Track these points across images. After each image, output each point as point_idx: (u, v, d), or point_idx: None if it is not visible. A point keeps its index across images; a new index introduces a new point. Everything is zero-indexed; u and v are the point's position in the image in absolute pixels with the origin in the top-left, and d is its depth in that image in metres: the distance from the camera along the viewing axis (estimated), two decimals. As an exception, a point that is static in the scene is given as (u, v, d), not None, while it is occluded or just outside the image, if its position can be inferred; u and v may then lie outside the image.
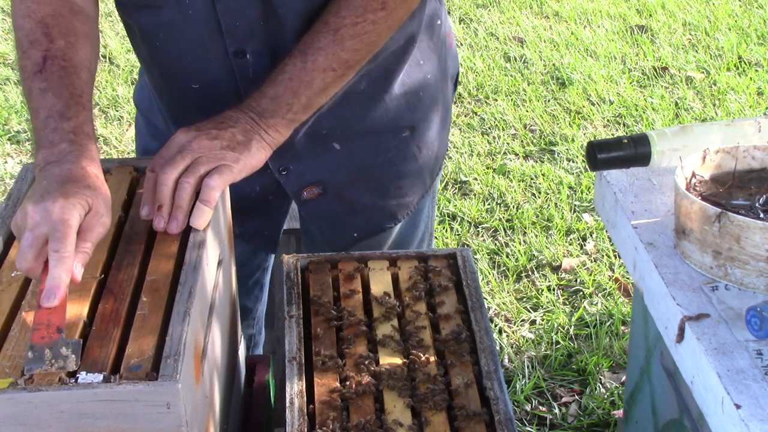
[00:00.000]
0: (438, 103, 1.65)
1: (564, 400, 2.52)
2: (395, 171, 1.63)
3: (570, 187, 3.45)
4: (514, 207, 3.34)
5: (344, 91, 1.51)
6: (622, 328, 2.75)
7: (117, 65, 4.35)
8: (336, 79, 1.41)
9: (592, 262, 3.06)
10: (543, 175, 3.52)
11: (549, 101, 4.09)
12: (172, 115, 1.60)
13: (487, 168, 3.60)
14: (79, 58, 1.34)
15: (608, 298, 2.89)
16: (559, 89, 4.19)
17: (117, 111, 3.96)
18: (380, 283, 1.44)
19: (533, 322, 2.80)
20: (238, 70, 1.47)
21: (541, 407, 2.50)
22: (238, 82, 1.47)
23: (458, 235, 3.20)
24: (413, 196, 1.68)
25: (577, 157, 3.64)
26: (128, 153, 3.68)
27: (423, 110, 1.62)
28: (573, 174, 3.55)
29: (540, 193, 3.42)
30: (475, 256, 3.06)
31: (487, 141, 3.80)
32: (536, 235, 3.18)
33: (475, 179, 3.51)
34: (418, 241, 1.77)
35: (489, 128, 3.89)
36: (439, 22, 1.61)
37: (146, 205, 1.27)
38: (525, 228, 3.22)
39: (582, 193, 3.41)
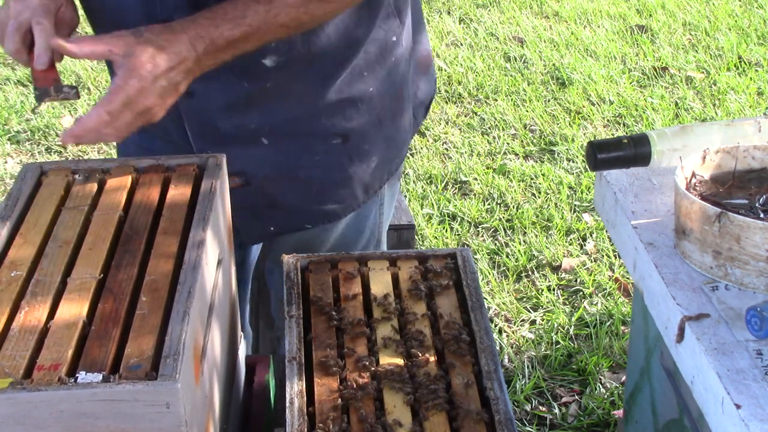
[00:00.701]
0: (383, 120, 1.63)
1: (564, 400, 2.52)
2: (320, 176, 1.62)
3: (570, 187, 3.45)
4: (514, 207, 3.34)
5: (277, 88, 1.52)
6: (622, 328, 2.75)
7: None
8: (279, 36, 1.41)
9: (592, 262, 3.06)
10: (543, 175, 3.52)
11: (549, 101, 4.09)
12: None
13: (487, 168, 3.60)
14: None
15: (608, 298, 2.88)
16: (559, 89, 4.19)
17: (117, 111, 3.95)
18: (380, 283, 1.44)
19: (533, 322, 2.80)
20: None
21: (541, 407, 2.50)
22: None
23: (458, 235, 3.20)
24: (337, 205, 1.66)
25: (577, 157, 3.64)
26: (128, 153, 3.68)
27: (360, 121, 1.61)
28: (573, 174, 3.55)
29: (540, 193, 3.42)
30: (475, 256, 3.05)
31: (487, 141, 3.80)
32: (536, 235, 3.17)
33: (475, 179, 3.51)
34: (363, 247, 1.76)
35: (489, 128, 3.89)
36: (394, 38, 1.60)
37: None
38: (525, 228, 3.22)
39: (582, 193, 3.41)
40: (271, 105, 1.55)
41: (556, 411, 2.48)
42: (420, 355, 1.29)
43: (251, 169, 1.60)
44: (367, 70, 1.58)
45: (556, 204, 3.35)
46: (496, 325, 2.76)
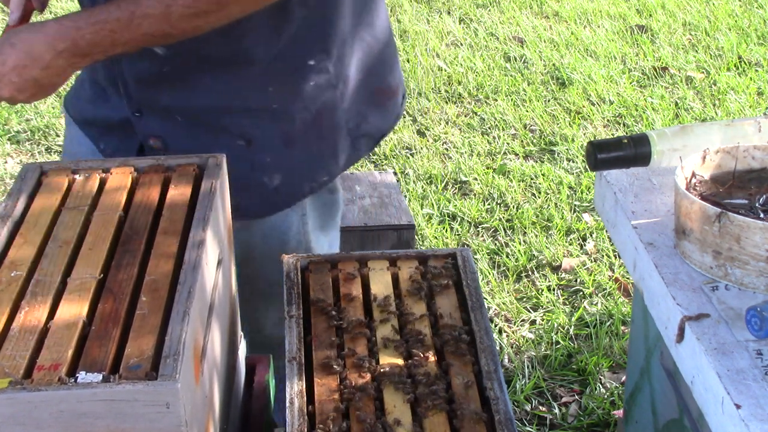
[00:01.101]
0: (293, 140, 1.64)
1: (564, 400, 2.52)
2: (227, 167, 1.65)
3: (570, 187, 3.45)
4: (514, 207, 3.34)
5: (175, 76, 1.58)
6: (622, 328, 2.75)
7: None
8: (153, 44, 1.48)
9: (592, 262, 3.05)
10: (543, 175, 3.52)
11: (549, 101, 4.09)
12: None
13: (487, 168, 3.60)
14: None
15: (608, 298, 2.88)
16: (559, 89, 4.19)
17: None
18: (380, 283, 1.44)
19: (533, 322, 2.80)
20: None
21: (541, 407, 2.50)
22: None
23: (458, 235, 3.20)
24: (236, 202, 1.66)
25: (577, 157, 3.64)
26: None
27: (263, 133, 1.62)
28: (573, 174, 3.55)
29: (540, 193, 3.42)
30: (475, 256, 3.05)
31: (487, 141, 3.80)
32: (536, 235, 3.17)
33: (475, 179, 3.51)
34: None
35: (489, 128, 3.89)
36: (312, 62, 1.60)
37: None
38: (525, 228, 3.22)
39: (582, 193, 3.41)
40: (176, 89, 1.60)
41: (556, 411, 2.48)
42: (420, 355, 1.29)
43: (169, 137, 1.64)
44: (272, 87, 1.60)
45: (556, 204, 3.35)
46: (496, 325, 2.76)
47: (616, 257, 3.04)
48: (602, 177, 1.46)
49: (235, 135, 1.63)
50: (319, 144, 1.68)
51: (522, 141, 3.78)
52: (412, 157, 3.67)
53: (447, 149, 3.74)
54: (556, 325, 2.76)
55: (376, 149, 3.69)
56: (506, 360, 2.64)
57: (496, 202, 3.37)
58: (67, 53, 1.43)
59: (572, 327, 2.76)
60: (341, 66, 1.64)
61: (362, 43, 1.68)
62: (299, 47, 1.59)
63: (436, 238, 3.17)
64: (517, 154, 3.69)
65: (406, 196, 3.36)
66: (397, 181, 3.25)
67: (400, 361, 1.29)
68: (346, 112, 1.67)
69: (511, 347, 2.69)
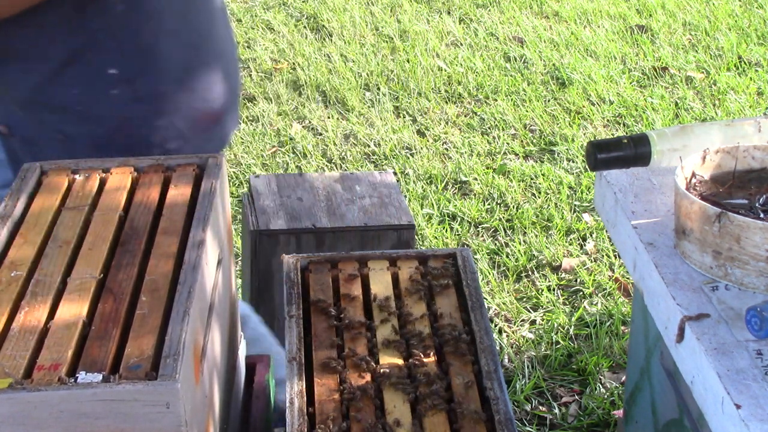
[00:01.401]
0: (100, 147, 1.63)
1: (564, 400, 2.52)
2: (60, 155, 1.65)
3: (570, 187, 3.45)
4: (514, 207, 3.33)
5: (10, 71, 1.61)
6: (622, 328, 2.75)
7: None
8: None
9: (592, 262, 3.05)
10: (543, 175, 3.52)
11: (549, 101, 4.08)
12: None
13: (487, 168, 3.60)
14: None
15: (608, 298, 2.88)
16: (559, 89, 4.19)
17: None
18: (380, 283, 1.44)
19: (533, 322, 2.80)
20: None
21: (541, 407, 2.50)
22: None
23: (458, 235, 3.20)
24: None
25: (577, 157, 3.64)
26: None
27: (74, 130, 1.63)
28: (573, 174, 3.54)
29: (540, 193, 3.42)
30: (475, 256, 3.05)
31: (487, 141, 3.79)
32: (536, 235, 3.17)
33: (475, 179, 3.51)
34: None
35: (489, 128, 3.89)
36: (114, 71, 1.60)
37: None
38: (525, 228, 3.22)
39: (582, 193, 3.41)
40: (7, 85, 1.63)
41: (556, 411, 2.48)
42: (420, 355, 1.29)
43: (11, 125, 1.67)
44: (77, 89, 1.60)
45: (556, 204, 3.35)
46: (496, 325, 2.76)
47: (616, 257, 3.04)
48: (602, 177, 1.46)
49: (51, 129, 1.64)
50: (128, 155, 1.65)
51: (522, 141, 3.78)
52: (412, 157, 3.67)
53: (447, 149, 3.74)
54: (556, 325, 2.76)
55: (375, 149, 3.69)
56: (506, 360, 2.64)
57: (496, 202, 3.37)
58: None
59: (572, 327, 2.76)
60: (151, 82, 1.64)
61: (190, 66, 1.67)
62: (100, 53, 1.59)
63: (436, 238, 3.17)
64: (517, 154, 3.69)
65: (406, 196, 3.36)
66: (397, 181, 3.25)
67: (400, 362, 1.29)
68: (161, 129, 1.66)
69: (511, 347, 2.69)
